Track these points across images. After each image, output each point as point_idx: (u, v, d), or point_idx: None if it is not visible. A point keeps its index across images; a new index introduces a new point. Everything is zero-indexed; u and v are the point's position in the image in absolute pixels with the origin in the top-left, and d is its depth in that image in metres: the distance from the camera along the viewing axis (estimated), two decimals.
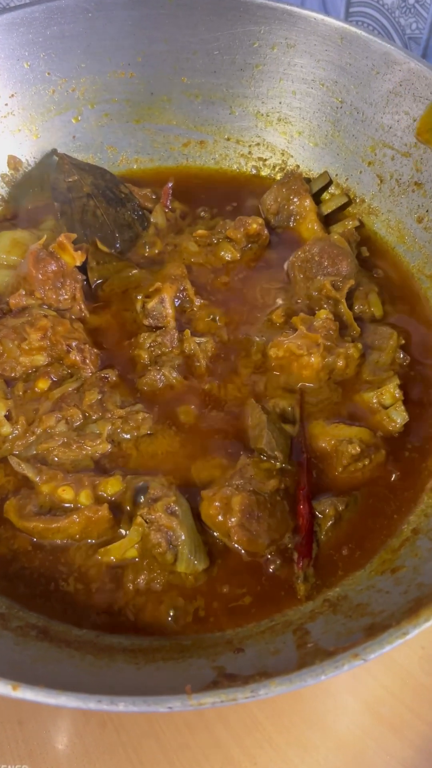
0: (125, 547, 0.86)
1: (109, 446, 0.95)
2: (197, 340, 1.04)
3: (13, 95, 1.19)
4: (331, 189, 1.26)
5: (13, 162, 1.21)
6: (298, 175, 1.21)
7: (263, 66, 1.22)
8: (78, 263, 1.07)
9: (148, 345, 1.04)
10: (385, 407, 0.98)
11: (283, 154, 1.28)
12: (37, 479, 0.90)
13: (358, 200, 1.22)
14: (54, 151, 1.23)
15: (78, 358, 1.00)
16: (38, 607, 0.83)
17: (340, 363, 0.99)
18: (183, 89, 1.25)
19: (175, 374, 1.01)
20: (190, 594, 0.84)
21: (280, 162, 1.28)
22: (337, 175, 1.24)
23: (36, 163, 1.23)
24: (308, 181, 1.24)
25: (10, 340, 1.00)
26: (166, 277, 1.09)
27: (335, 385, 1.01)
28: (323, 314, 1.02)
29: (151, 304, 1.06)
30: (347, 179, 1.23)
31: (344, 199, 1.22)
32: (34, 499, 0.89)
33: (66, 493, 0.89)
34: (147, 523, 0.85)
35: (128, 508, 0.89)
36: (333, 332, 1.01)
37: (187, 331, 1.04)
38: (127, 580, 0.85)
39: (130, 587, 0.84)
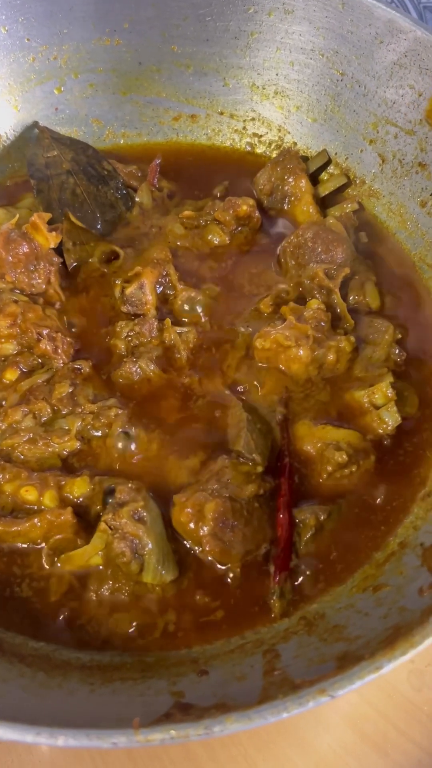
0: (88, 554, 0.80)
1: (78, 444, 0.89)
2: (178, 330, 0.97)
3: None
4: (330, 169, 1.17)
5: None
6: (294, 153, 1.12)
7: (259, 34, 1.13)
8: (53, 245, 1.00)
9: (125, 334, 0.97)
10: (377, 407, 0.91)
11: (279, 130, 1.19)
12: None
13: (358, 181, 1.14)
14: (35, 124, 1.16)
15: (49, 348, 0.94)
16: None
17: (331, 357, 0.92)
18: (173, 59, 1.17)
19: (152, 366, 0.95)
20: (157, 607, 0.79)
21: (276, 138, 1.20)
22: (336, 153, 1.15)
23: (16, 137, 1.16)
24: (305, 159, 1.16)
25: None
26: (147, 261, 1.02)
27: (324, 381, 0.94)
28: (314, 304, 0.95)
29: (130, 289, 0.99)
30: (347, 158, 1.14)
31: (343, 180, 1.14)
32: None
33: (29, 494, 0.83)
34: (111, 529, 0.79)
35: (95, 511, 0.84)
36: (324, 324, 0.94)
37: (168, 320, 0.97)
38: (90, 590, 0.79)
39: (93, 597, 0.79)
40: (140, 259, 1.04)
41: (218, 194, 1.15)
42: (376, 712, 0.86)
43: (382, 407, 0.90)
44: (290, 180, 1.10)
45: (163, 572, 0.79)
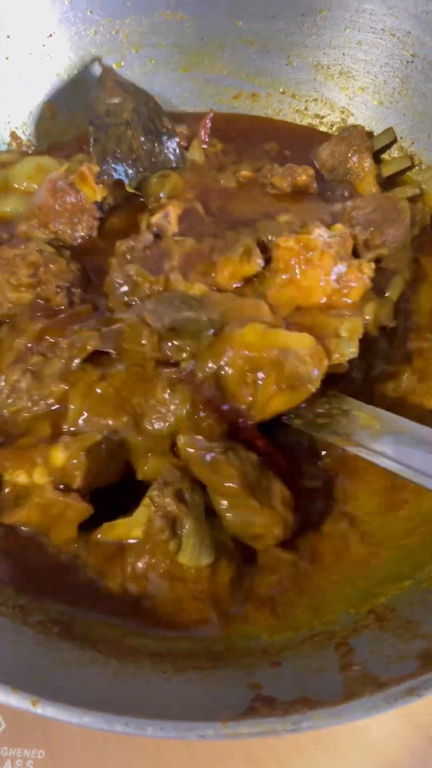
0: (131, 526, 0.78)
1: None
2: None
3: (51, 35, 1.09)
4: (393, 151, 1.14)
5: (50, 110, 1.12)
6: (361, 130, 1.09)
7: (327, 12, 1.09)
8: (98, 198, 0.98)
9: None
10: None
11: (342, 112, 1.16)
12: None
13: (424, 166, 1.11)
14: (98, 61, 1.12)
15: (65, 302, 0.91)
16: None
17: (350, 277, 0.88)
18: (237, 35, 1.14)
19: None
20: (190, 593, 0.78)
21: (338, 120, 1.17)
22: (401, 137, 1.12)
23: (69, 110, 1.14)
24: (370, 135, 1.13)
25: (0, 273, 0.91)
26: (176, 197, 1.00)
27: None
28: (340, 228, 0.91)
29: (155, 218, 0.97)
30: (413, 143, 1.11)
31: (407, 163, 1.11)
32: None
33: (20, 477, 0.80)
34: (155, 506, 0.78)
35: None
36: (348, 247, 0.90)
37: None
38: (127, 562, 0.78)
39: (129, 570, 0.78)
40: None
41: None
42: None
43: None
44: (354, 159, 1.07)
45: (200, 556, 0.77)
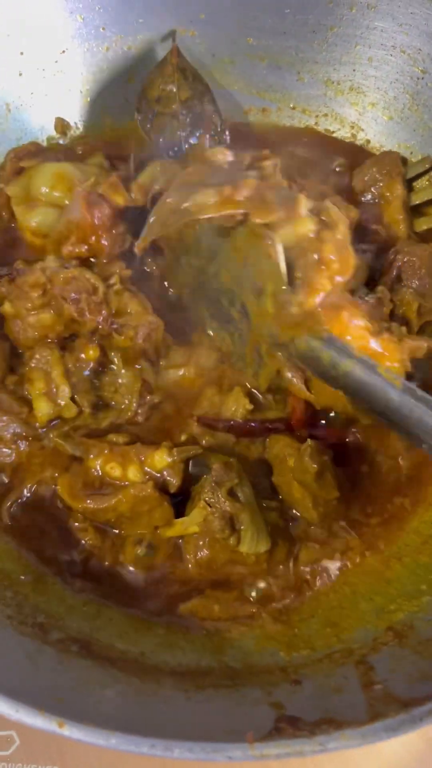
0: (187, 525, 0.83)
1: None
2: None
3: (64, 51, 1.09)
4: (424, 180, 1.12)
5: (61, 125, 1.12)
6: (395, 156, 1.09)
7: (338, 28, 1.10)
8: (129, 203, 0.94)
9: None
10: None
11: (352, 127, 1.17)
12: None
13: None
14: (172, 35, 1.11)
15: (75, 313, 0.88)
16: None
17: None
18: (248, 51, 1.14)
19: None
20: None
21: (348, 135, 1.17)
22: (411, 153, 1.12)
23: (85, 124, 1.14)
24: (405, 162, 1.11)
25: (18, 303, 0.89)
26: None
27: None
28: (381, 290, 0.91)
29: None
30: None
31: None
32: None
33: (114, 471, 0.84)
34: (210, 507, 0.81)
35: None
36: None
37: None
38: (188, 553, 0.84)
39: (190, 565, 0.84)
40: None
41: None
42: None
43: None
44: (384, 183, 1.07)
45: (258, 544, 0.81)
